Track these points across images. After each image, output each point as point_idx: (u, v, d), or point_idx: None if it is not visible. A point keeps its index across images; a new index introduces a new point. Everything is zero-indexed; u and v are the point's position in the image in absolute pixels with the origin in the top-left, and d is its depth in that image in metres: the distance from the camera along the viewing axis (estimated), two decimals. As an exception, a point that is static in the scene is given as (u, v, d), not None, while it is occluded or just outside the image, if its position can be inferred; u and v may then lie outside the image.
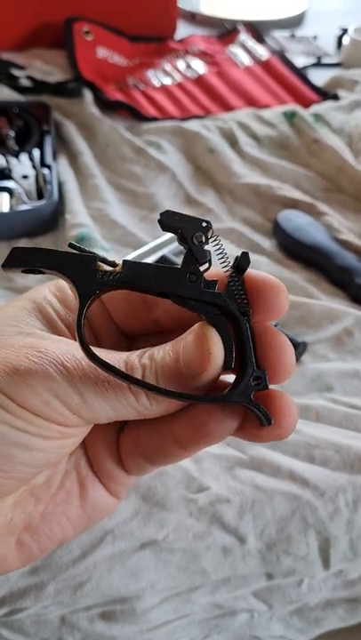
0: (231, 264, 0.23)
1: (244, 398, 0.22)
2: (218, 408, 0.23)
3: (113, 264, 0.22)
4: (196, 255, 0.22)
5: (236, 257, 0.23)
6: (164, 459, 0.26)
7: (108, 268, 0.22)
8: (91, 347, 0.21)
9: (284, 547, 0.34)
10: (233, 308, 0.22)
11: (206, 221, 0.22)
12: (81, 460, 0.27)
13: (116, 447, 0.27)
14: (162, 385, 0.22)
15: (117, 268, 0.22)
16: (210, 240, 0.22)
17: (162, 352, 0.22)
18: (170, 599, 0.34)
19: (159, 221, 0.22)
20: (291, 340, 0.30)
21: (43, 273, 0.22)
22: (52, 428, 0.22)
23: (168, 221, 0.22)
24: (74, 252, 0.22)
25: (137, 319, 0.26)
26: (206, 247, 0.22)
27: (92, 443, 0.27)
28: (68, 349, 0.22)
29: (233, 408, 0.23)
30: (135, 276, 0.22)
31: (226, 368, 0.22)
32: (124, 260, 0.22)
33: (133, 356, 0.22)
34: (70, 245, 0.22)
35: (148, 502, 0.34)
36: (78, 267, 0.21)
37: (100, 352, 0.22)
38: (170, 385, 0.22)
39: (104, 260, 0.22)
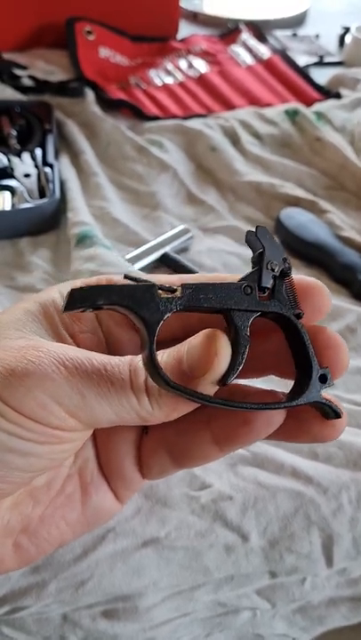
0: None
1: (317, 397, 0.22)
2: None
3: (171, 289, 0.22)
4: (262, 278, 0.22)
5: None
6: (192, 460, 0.25)
7: (168, 295, 0.22)
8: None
9: (287, 544, 0.34)
10: (290, 314, 0.23)
11: (286, 258, 0.23)
12: (88, 463, 0.26)
13: (138, 448, 0.26)
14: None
15: (177, 293, 0.22)
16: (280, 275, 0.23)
17: (166, 355, 0.22)
18: (172, 597, 0.34)
19: (248, 232, 0.23)
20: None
21: (102, 309, 0.21)
22: (49, 433, 0.21)
23: (259, 236, 0.23)
24: (131, 282, 0.21)
25: (162, 326, 0.26)
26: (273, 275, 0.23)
27: (107, 444, 0.26)
28: (68, 351, 0.22)
29: None
30: (195, 298, 0.22)
31: (221, 382, 0.22)
32: (183, 285, 0.22)
33: (137, 359, 0.22)
34: (126, 277, 0.22)
35: (150, 500, 0.34)
36: (141, 298, 0.21)
37: (102, 356, 0.22)
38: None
39: (161, 287, 0.22)
